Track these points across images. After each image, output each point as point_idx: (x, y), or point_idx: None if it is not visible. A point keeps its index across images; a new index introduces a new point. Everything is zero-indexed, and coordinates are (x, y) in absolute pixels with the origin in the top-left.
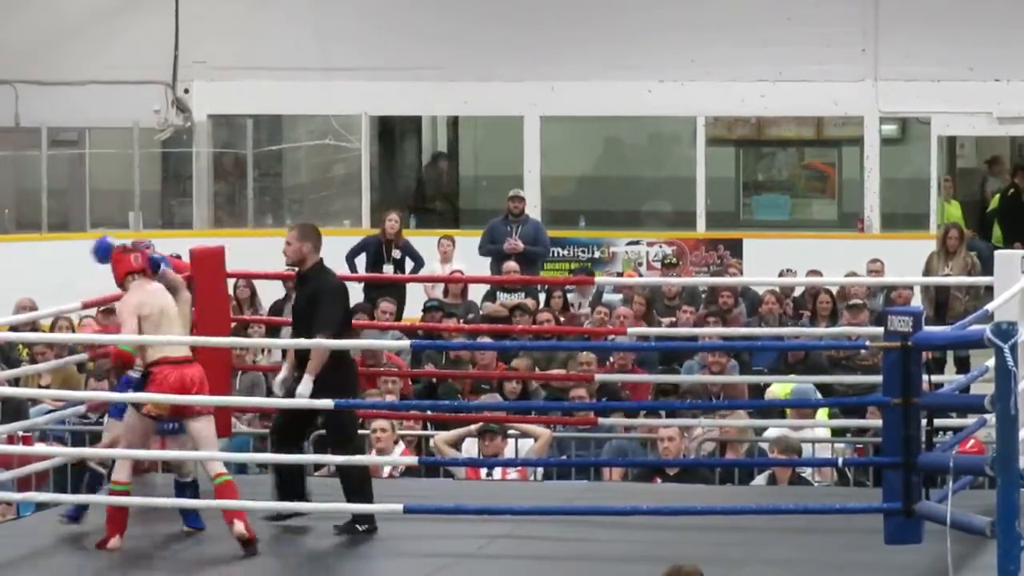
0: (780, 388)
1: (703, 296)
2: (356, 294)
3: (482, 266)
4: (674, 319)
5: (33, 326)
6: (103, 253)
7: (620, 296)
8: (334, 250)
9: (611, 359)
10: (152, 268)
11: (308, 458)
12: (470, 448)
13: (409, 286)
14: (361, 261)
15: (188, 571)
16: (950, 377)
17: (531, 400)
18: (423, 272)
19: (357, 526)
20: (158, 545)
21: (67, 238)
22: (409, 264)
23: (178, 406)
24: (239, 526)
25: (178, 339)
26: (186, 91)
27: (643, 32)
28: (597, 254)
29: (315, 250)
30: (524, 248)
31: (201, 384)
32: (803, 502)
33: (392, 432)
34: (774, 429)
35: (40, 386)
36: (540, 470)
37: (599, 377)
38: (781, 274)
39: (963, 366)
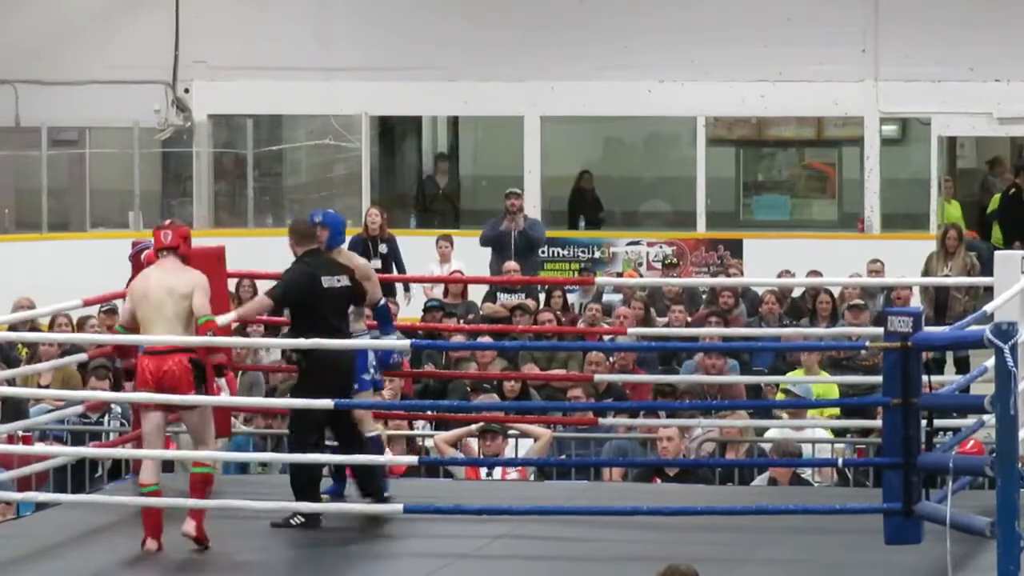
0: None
1: (703, 296)
2: None
3: (482, 266)
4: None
5: (32, 326)
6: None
7: (620, 296)
8: None
9: (611, 359)
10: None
11: (309, 458)
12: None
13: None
14: None
15: (188, 571)
16: (950, 377)
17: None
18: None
19: (292, 520)
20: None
21: (67, 238)
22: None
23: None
24: (189, 525)
25: (179, 339)
26: (186, 91)
27: (643, 32)
28: (597, 254)
29: (297, 244)
30: (524, 229)
31: (179, 376)
32: (803, 502)
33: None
34: (775, 430)
35: (40, 386)
36: (535, 469)
37: (598, 377)
38: (781, 275)
39: (963, 366)
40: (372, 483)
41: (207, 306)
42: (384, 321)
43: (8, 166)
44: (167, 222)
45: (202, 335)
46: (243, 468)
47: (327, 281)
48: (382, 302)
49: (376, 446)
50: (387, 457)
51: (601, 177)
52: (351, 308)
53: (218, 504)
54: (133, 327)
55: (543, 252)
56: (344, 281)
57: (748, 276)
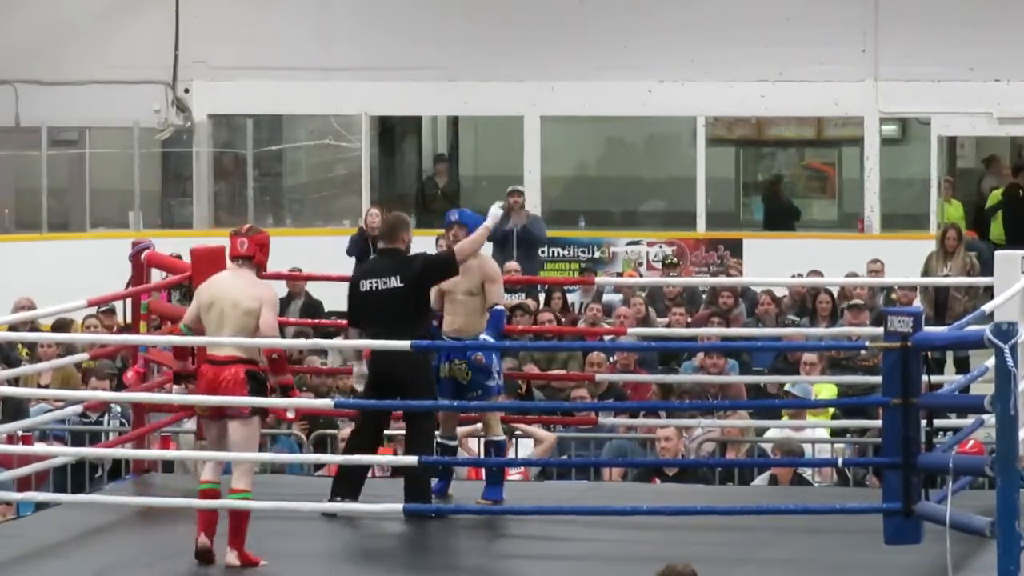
0: (819, 388)
1: (703, 296)
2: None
3: None
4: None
5: (33, 326)
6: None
7: (620, 296)
8: (335, 250)
9: (612, 358)
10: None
11: (308, 458)
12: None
13: None
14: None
15: (188, 571)
16: (950, 377)
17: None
18: None
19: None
20: (160, 545)
21: (67, 238)
22: None
23: (216, 407)
24: (231, 556)
25: (179, 339)
26: (186, 91)
27: (643, 32)
28: (597, 254)
29: (387, 241)
30: (526, 225)
31: (232, 388)
32: (803, 502)
33: None
34: (775, 430)
35: (40, 386)
36: (536, 469)
37: (599, 377)
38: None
39: (963, 366)
40: (421, 487)
41: (275, 325)
42: (492, 326)
43: (8, 166)
44: (245, 228)
45: (274, 354)
46: None
47: (366, 284)
48: (498, 307)
49: (500, 451)
50: (387, 458)
51: (601, 177)
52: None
53: (218, 504)
54: (199, 329)
55: (543, 252)
56: (393, 283)
57: (748, 276)
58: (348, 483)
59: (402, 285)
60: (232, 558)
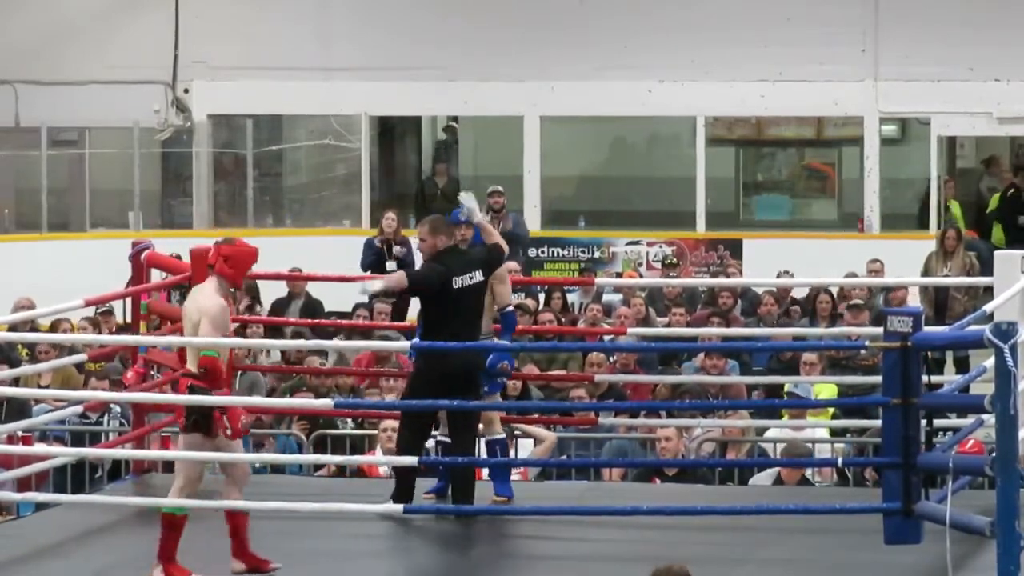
0: (819, 388)
1: (702, 296)
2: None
3: None
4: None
5: (33, 326)
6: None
7: (620, 296)
8: (335, 250)
9: (612, 359)
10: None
11: (308, 458)
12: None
13: None
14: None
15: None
16: (950, 377)
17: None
18: None
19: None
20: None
21: (67, 238)
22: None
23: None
24: (157, 571)
25: (178, 340)
26: (186, 91)
27: (643, 32)
28: (597, 254)
29: (434, 237)
30: (511, 228)
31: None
32: (803, 502)
33: None
34: (775, 430)
35: (40, 386)
36: (536, 469)
37: (599, 377)
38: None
39: (963, 366)
40: (466, 487)
41: (212, 336)
42: (506, 328)
43: (8, 166)
44: (221, 238)
45: (200, 367)
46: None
47: (458, 282)
48: (509, 308)
49: (503, 448)
50: (388, 457)
51: (601, 177)
52: None
53: (217, 504)
54: None
55: (543, 252)
56: (477, 277)
57: (748, 276)
58: (406, 485)
59: (483, 279)
60: (157, 573)
